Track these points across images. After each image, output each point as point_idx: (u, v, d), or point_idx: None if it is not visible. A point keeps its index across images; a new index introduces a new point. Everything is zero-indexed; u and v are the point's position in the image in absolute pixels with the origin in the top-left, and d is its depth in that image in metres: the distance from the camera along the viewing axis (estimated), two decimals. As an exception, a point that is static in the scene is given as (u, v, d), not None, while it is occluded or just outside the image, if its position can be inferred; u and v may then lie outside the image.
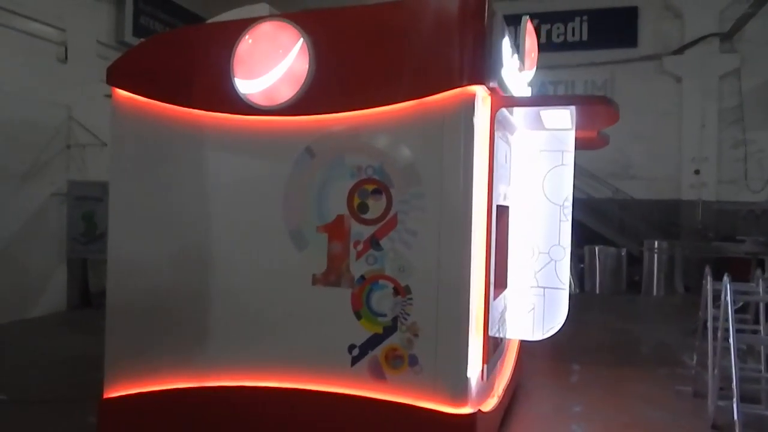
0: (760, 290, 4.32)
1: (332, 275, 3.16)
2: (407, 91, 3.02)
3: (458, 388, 2.98)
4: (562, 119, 3.52)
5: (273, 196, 3.26)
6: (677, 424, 4.29)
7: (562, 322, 4.02)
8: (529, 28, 4.45)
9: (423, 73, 3.02)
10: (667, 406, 4.65)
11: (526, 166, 4.06)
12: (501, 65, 3.31)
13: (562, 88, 13.98)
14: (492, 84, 3.11)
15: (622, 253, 11.28)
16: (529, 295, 4.04)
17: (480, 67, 2.99)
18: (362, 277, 3.11)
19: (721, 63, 12.86)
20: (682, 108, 13.22)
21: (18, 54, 7.37)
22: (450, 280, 2.99)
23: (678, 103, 13.28)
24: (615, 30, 13.65)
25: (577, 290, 11.08)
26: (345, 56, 3.16)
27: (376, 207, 3.09)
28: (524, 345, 6.42)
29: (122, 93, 3.57)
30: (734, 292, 4.07)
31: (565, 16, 13.97)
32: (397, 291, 3.05)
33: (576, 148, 5.04)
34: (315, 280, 3.19)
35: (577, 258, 11.44)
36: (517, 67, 3.89)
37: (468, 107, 2.97)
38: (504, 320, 3.81)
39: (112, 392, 3.59)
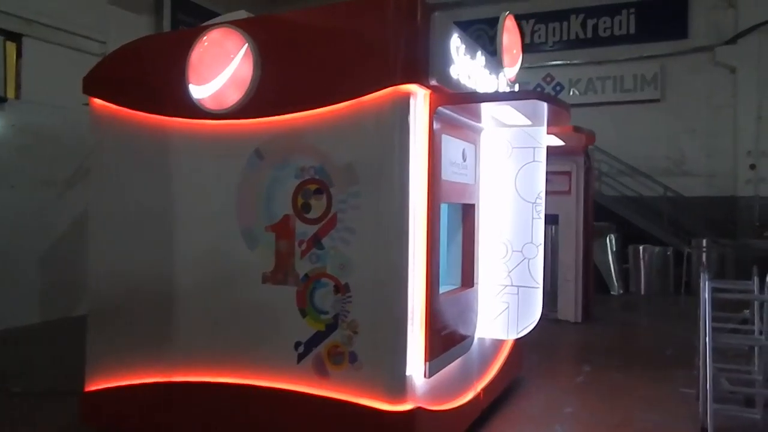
0: (755, 288, 4.11)
1: (280, 274, 3.25)
2: (345, 91, 3.07)
3: (396, 385, 2.99)
4: (516, 116, 3.47)
5: (228, 198, 3.38)
6: (668, 427, 4.14)
7: (536, 321, 3.94)
8: (508, 25, 4.38)
9: (359, 73, 3.06)
10: (665, 409, 4.48)
11: (499, 164, 4.02)
12: (448, 63, 3.29)
13: (610, 83, 13.61)
14: (432, 82, 3.12)
15: (668, 252, 10.79)
16: (503, 293, 3.99)
17: (414, 65, 3.01)
18: (306, 276, 3.18)
19: (780, 52, 12.16)
20: (737, 100, 12.58)
21: (62, 67, 7.92)
22: (387, 277, 3.01)
23: (733, 95, 12.64)
24: (664, 21, 13.15)
25: (621, 291, 10.68)
26: (288, 59, 3.24)
27: (317, 206, 3.15)
28: (541, 343, 6.33)
29: (98, 102, 3.79)
30: (719, 291, 3.91)
31: (611, 10, 13.56)
32: (337, 289, 3.10)
33: (570, 148, 4.95)
34: (265, 279, 3.28)
35: (621, 258, 11.04)
36: (483, 65, 3.85)
37: (402, 105, 2.98)
38: (469, 319, 3.78)
39: (93, 386, 3.81)
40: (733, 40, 12.54)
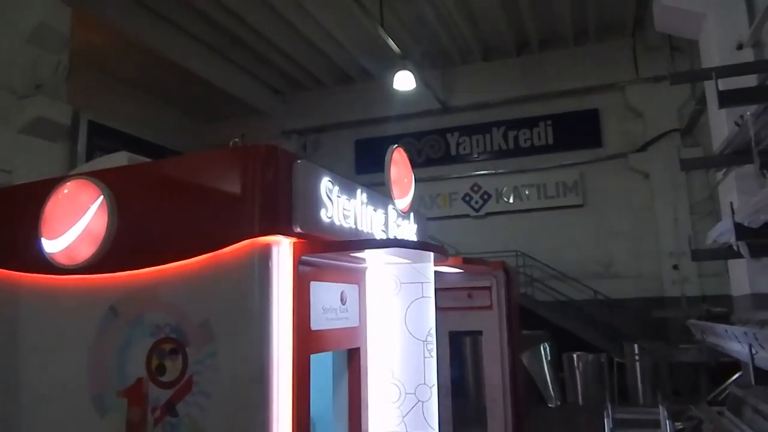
0: (660, 415, 3.97)
1: (132, 446, 2.92)
2: (203, 244, 2.90)
3: None
4: (394, 257, 3.37)
5: (79, 360, 3.09)
6: None
7: (434, 472, 3.65)
8: (396, 157, 4.38)
9: (217, 226, 2.92)
10: None
11: (387, 301, 3.87)
12: (317, 208, 3.20)
13: (534, 191, 14.03)
14: (297, 230, 3.00)
15: (602, 359, 10.70)
16: (398, 442, 3.71)
17: (274, 215, 2.90)
18: (160, 448, 2.86)
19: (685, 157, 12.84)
20: (654, 203, 13.14)
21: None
22: (247, 447, 2.72)
23: (649, 199, 13.20)
24: (579, 132, 13.90)
25: (558, 402, 10.43)
26: (146, 211, 3.10)
27: (173, 368, 2.89)
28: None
29: (-50, 256, 3.52)
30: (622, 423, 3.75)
31: (529, 122, 14.29)
32: (192, 462, 2.78)
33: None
34: (116, 452, 2.94)
35: (556, 366, 10.88)
36: (365, 202, 3.79)
37: (261, 257, 2.83)
38: (357, 476, 3.48)
39: None
40: (643, 148, 13.25)
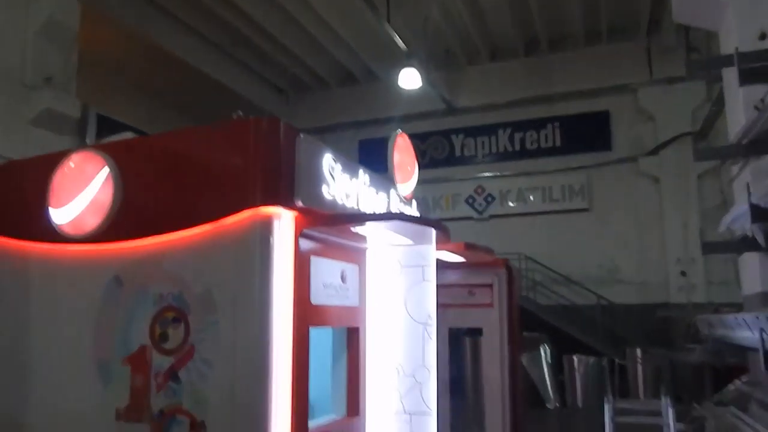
0: (662, 409, 3.97)
1: (134, 410, 2.96)
2: (205, 213, 2.96)
3: None
4: (394, 236, 3.41)
5: (85, 328, 3.14)
6: None
7: (431, 452, 3.67)
8: (400, 143, 4.44)
9: (220, 195, 2.98)
10: None
11: (389, 283, 3.90)
12: (318, 183, 3.25)
13: (539, 194, 14.03)
14: (298, 203, 3.04)
15: (603, 363, 10.65)
16: (395, 421, 3.74)
17: (276, 187, 2.95)
18: (161, 412, 2.90)
19: (698, 162, 12.72)
20: (662, 208, 13.07)
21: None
22: (246, 414, 2.76)
23: (658, 204, 13.14)
24: (588, 134, 13.85)
25: (557, 404, 10.40)
26: (150, 182, 3.16)
27: (175, 336, 2.94)
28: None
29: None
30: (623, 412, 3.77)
31: (537, 124, 14.27)
32: (193, 426, 2.82)
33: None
34: (118, 416, 2.99)
35: (556, 369, 10.84)
36: (367, 183, 3.83)
37: (263, 228, 2.88)
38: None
39: None
40: (654, 151, 13.19)
